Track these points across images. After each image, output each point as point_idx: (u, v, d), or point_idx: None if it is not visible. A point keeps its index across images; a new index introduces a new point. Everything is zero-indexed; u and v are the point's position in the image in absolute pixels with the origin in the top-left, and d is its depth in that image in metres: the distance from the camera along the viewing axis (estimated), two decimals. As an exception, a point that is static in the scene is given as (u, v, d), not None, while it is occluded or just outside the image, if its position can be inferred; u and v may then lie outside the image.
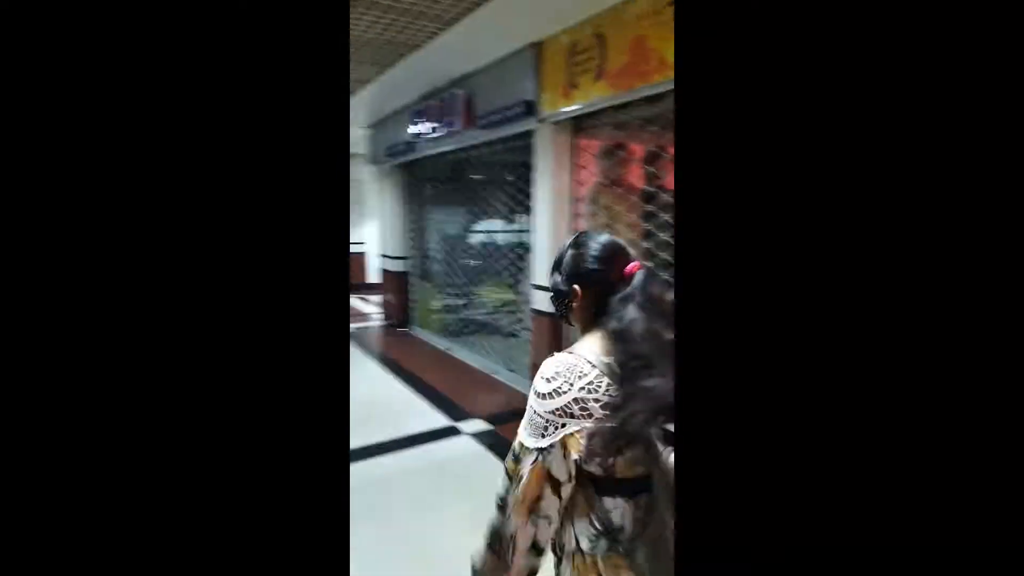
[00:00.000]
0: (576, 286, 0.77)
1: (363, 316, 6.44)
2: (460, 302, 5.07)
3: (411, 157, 4.82)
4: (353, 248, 8.16)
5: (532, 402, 0.71)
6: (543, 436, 0.68)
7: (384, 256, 5.90)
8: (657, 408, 0.65)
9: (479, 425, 3.10)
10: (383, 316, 6.08)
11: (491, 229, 4.94)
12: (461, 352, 4.56)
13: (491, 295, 4.86)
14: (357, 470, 2.52)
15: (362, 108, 4.89)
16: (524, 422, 0.72)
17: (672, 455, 0.63)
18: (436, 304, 5.18)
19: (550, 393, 0.69)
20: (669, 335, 0.68)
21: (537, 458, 0.68)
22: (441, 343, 4.86)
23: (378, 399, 3.54)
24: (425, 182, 5.31)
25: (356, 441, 2.77)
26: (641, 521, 0.68)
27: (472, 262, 4.91)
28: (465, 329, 4.90)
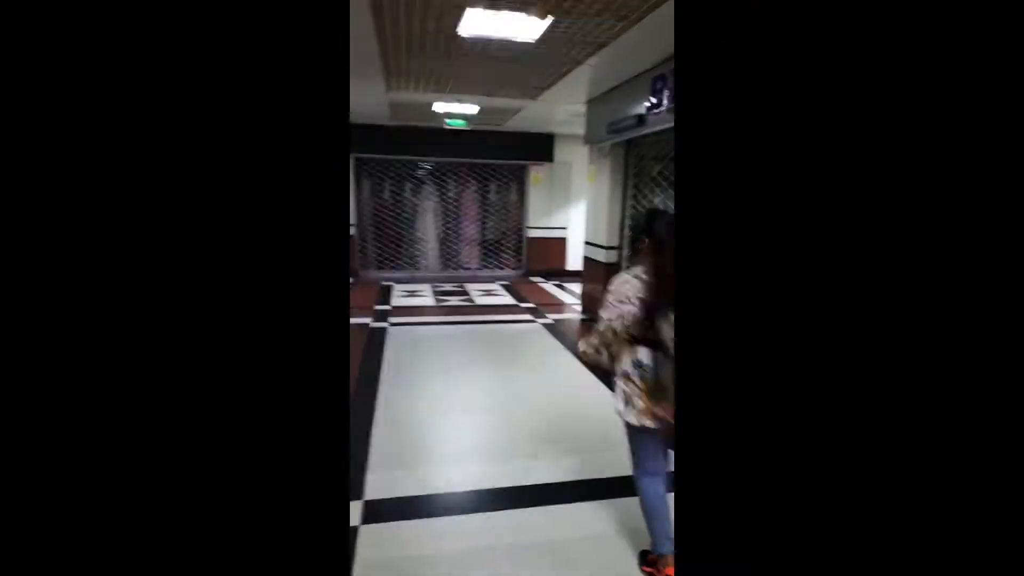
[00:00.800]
0: (646, 235, 1.58)
1: (559, 306, 6.11)
2: (675, 304, 4.32)
3: (640, 132, 4.17)
4: (553, 232, 7.95)
5: (608, 296, 1.56)
6: (609, 316, 1.51)
7: (589, 243, 5.42)
8: (660, 303, 1.43)
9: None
10: (582, 308, 5.65)
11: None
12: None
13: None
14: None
15: (582, 81, 4.39)
16: (602, 307, 1.58)
17: (668, 328, 1.46)
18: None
19: (614, 291, 1.56)
20: None
21: (608, 323, 1.52)
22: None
23: (583, 403, 3.08)
24: (652, 161, 4.61)
25: (553, 474, 2.32)
26: (654, 361, 1.51)
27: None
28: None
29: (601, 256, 5.10)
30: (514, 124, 6.72)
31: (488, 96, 5.01)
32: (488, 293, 6.78)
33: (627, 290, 1.52)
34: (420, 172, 7.70)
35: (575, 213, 7.79)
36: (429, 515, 2.04)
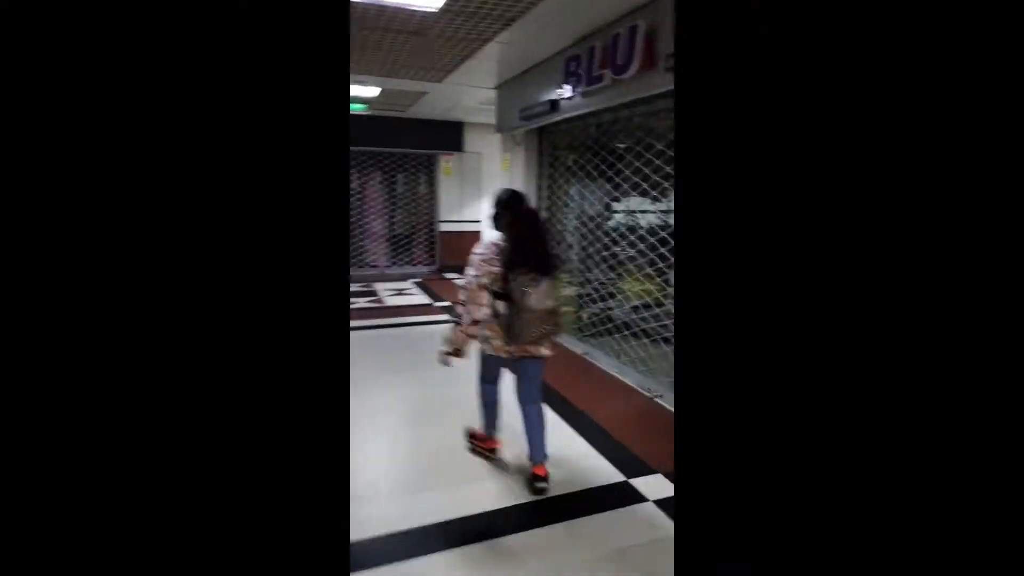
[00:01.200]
0: (507, 211, 2.01)
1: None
2: (597, 296, 4.20)
3: (553, 119, 3.97)
4: (466, 226, 7.63)
5: (474, 258, 1.95)
6: (476, 273, 1.91)
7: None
8: (515, 264, 1.89)
9: (662, 485, 2.12)
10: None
11: (635, 209, 3.96)
12: (604, 360, 3.71)
13: (634, 288, 3.92)
14: None
15: (492, 62, 4.12)
16: (469, 266, 1.95)
17: (527, 292, 1.88)
18: (569, 299, 4.35)
19: (480, 254, 1.94)
20: (538, 241, 1.97)
21: (474, 279, 1.92)
22: (577, 347, 4.04)
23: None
24: (566, 152, 4.44)
25: (501, 498, 2.03)
26: (509, 312, 1.92)
27: (616, 249, 3.99)
28: (606, 330, 4.03)
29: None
30: (421, 111, 6.29)
31: (390, 77, 4.56)
32: (400, 292, 6.32)
33: (490, 253, 1.95)
34: (317, 162, 7.00)
35: (488, 206, 7.52)
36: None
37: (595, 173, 3.92)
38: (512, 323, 1.93)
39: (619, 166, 3.60)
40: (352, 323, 4.83)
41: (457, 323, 2.01)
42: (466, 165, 7.42)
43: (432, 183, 7.53)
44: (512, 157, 4.87)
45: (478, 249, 1.98)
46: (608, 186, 3.85)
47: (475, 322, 1.95)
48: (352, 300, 5.78)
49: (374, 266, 7.50)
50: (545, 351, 2.04)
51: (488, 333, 2.04)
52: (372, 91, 5.08)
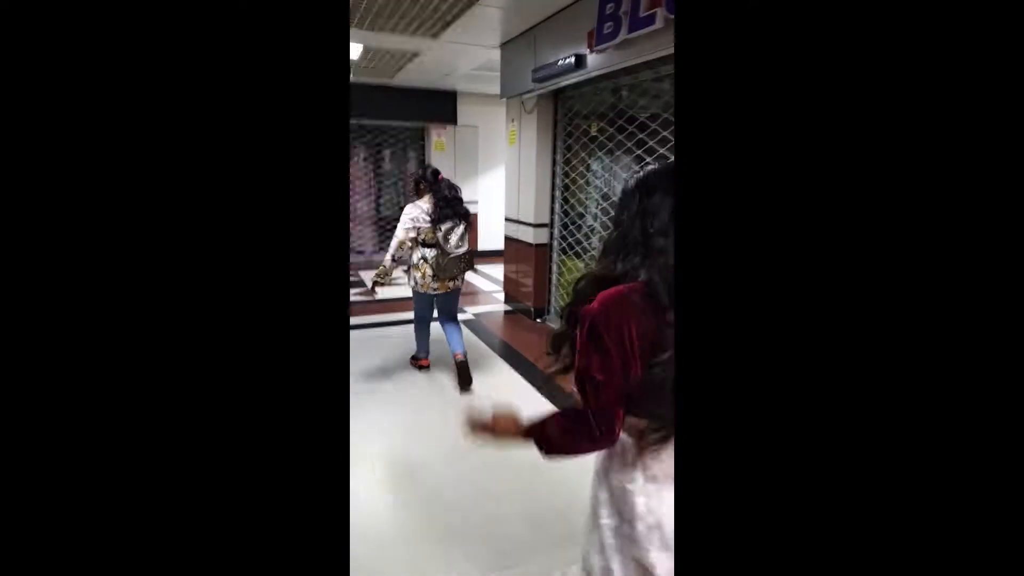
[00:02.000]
0: (426, 182, 2.78)
1: (475, 295, 5.19)
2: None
3: (577, 79, 3.30)
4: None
5: (404, 220, 2.70)
6: (406, 227, 2.70)
7: (511, 221, 4.53)
8: (440, 218, 2.69)
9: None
10: (504, 297, 4.79)
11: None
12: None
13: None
14: None
15: (498, 10, 3.42)
16: (399, 225, 2.73)
17: (449, 239, 2.72)
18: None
19: (409, 216, 2.69)
20: (454, 200, 2.74)
21: (404, 231, 2.71)
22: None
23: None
24: (588, 120, 3.76)
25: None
26: (435, 256, 2.73)
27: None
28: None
29: (528, 236, 4.23)
30: (408, 78, 5.54)
31: (375, 31, 3.82)
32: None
33: (419, 213, 2.68)
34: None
35: (485, 184, 6.85)
36: None
37: (627, 144, 3.28)
38: (438, 263, 2.71)
39: (653, 138, 2.96)
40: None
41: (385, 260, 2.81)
42: (460, 139, 6.70)
43: (423, 160, 6.81)
44: (521, 127, 4.19)
45: (407, 212, 2.69)
46: (639, 160, 3.21)
47: (395, 258, 2.73)
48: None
49: (360, 252, 6.80)
50: (460, 284, 2.89)
51: (416, 274, 2.76)
52: (354, 49, 4.34)
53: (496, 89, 4.55)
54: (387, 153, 6.73)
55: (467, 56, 4.58)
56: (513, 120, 4.31)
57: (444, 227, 2.67)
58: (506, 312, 4.58)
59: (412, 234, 2.67)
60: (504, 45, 4.17)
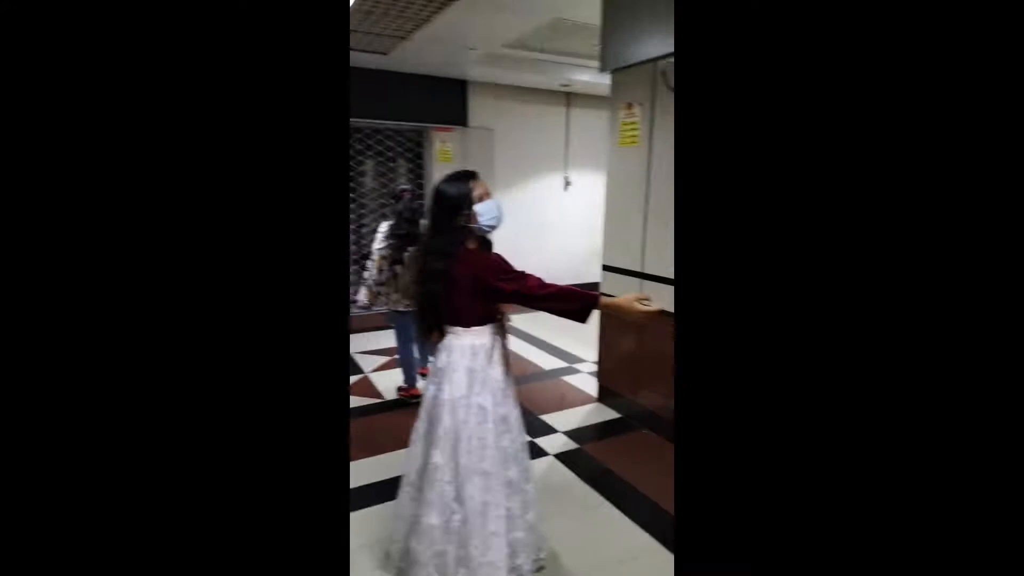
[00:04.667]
0: (393, 199, 2.93)
1: (562, 396, 3.42)
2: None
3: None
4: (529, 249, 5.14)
5: (377, 235, 2.85)
6: (379, 245, 2.82)
7: (611, 269, 2.84)
8: (403, 239, 2.77)
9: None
10: (598, 391, 3.07)
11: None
12: None
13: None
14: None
15: None
16: (374, 243, 2.87)
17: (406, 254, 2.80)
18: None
19: (383, 232, 2.84)
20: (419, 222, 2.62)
21: (377, 252, 2.85)
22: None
23: None
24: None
25: None
26: (403, 273, 2.76)
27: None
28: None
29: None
30: (408, 58, 3.72)
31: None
32: (381, 362, 3.73)
33: (389, 232, 2.81)
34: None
35: (505, 204, 5.08)
36: None
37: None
38: (405, 282, 2.82)
39: None
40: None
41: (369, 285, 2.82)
42: (471, 145, 4.92)
43: (421, 174, 4.96)
44: (656, 114, 2.48)
45: (382, 229, 2.83)
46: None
47: (379, 283, 2.82)
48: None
49: (352, 301, 4.82)
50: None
51: (388, 290, 2.86)
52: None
53: (522, 78, 2.98)
54: (369, 165, 4.83)
55: (503, 22, 2.86)
56: (631, 106, 2.61)
57: (410, 248, 2.71)
58: (607, 425, 2.84)
59: (386, 252, 2.76)
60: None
